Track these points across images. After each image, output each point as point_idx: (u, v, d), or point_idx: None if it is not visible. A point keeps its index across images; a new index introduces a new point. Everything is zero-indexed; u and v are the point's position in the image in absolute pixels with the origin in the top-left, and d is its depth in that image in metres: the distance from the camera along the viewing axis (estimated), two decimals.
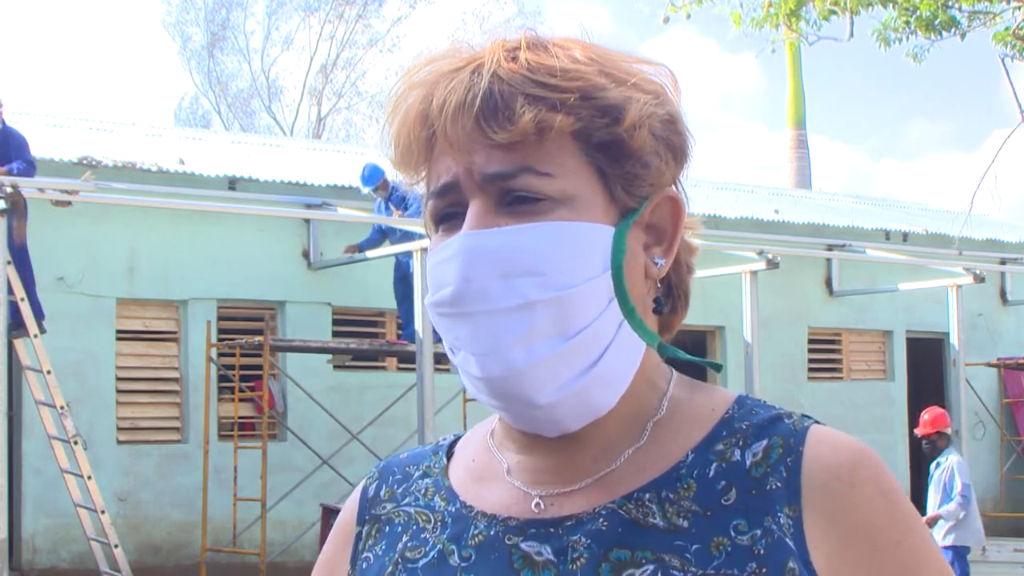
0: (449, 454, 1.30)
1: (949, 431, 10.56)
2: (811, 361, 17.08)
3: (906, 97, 64.12)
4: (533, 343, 1.12)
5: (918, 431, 10.62)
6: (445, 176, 1.15)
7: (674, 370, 1.25)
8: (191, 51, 36.13)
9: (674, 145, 1.19)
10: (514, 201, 1.13)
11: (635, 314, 1.17)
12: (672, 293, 1.25)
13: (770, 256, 13.24)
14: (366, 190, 12.78)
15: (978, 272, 14.88)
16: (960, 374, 15.14)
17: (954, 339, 15.11)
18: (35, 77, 52.23)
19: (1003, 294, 18.85)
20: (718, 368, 1.29)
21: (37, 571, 11.95)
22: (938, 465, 10.42)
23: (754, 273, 13.33)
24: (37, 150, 11.75)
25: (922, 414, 10.59)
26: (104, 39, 57.44)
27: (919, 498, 18.09)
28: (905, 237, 18.15)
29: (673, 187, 1.22)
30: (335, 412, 13.02)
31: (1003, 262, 17.97)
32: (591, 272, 1.13)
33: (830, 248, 16.75)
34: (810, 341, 17.07)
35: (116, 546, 10.39)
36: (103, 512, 10.37)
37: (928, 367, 18.64)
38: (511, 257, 1.12)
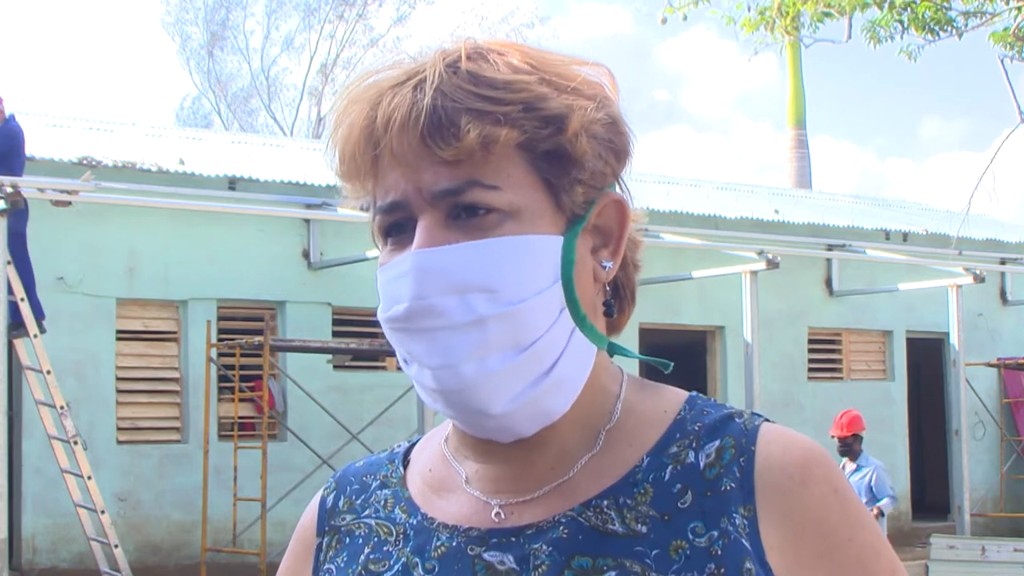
0: (405, 462, 1.30)
1: (863, 434, 10.76)
2: (811, 361, 17.07)
3: (916, 96, 64.21)
4: (487, 357, 1.13)
5: (834, 432, 10.81)
6: (393, 193, 1.16)
7: (623, 370, 1.26)
8: (190, 51, 36.17)
9: (616, 146, 1.20)
10: (463, 215, 1.14)
11: (586, 321, 1.18)
12: (620, 292, 1.26)
13: (770, 256, 13.24)
14: None
15: (978, 272, 14.88)
16: (960, 374, 15.13)
17: (954, 339, 15.11)
18: (35, 77, 52.26)
19: (1003, 294, 18.84)
20: (666, 367, 1.30)
21: (37, 571, 11.95)
22: (858, 469, 10.60)
23: (754, 273, 13.33)
24: (37, 150, 11.76)
25: (839, 416, 10.81)
26: (104, 39, 57.46)
27: (921, 497, 18.17)
28: (905, 237, 18.14)
29: (617, 186, 1.22)
30: (335, 412, 13.02)
31: (1003, 262, 17.96)
32: (542, 284, 1.14)
33: (830, 248, 16.74)
34: (810, 341, 17.06)
35: (116, 546, 10.39)
36: (103, 512, 10.37)
37: (928, 367, 18.64)
38: (462, 274, 1.12)
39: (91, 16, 56.02)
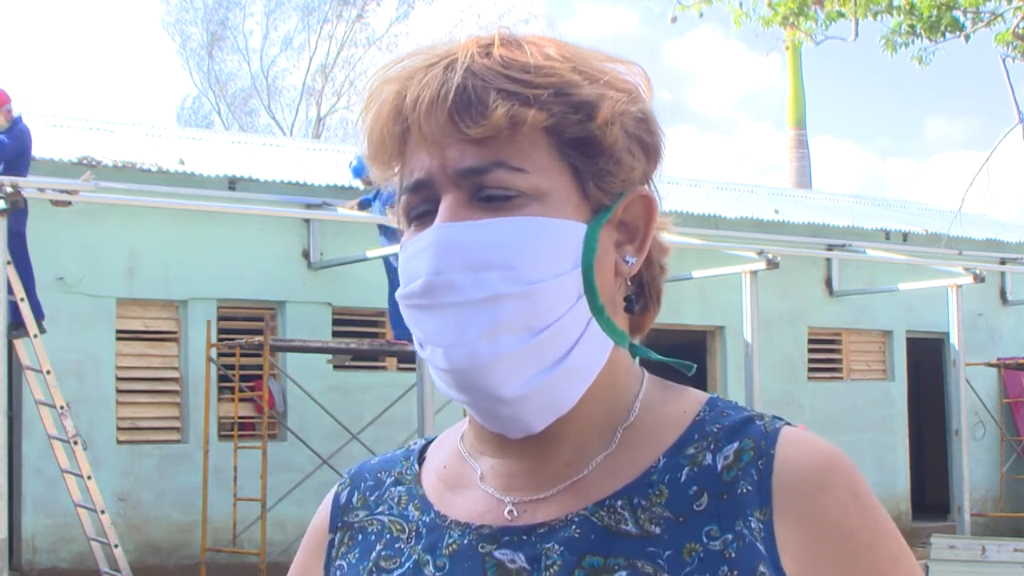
0: (420, 459, 1.29)
1: None
2: (811, 361, 17.08)
3: (919, 96, 64.22)
4: (500, 336, 1.11)
5: None
6: (418, 172, 1.16)
7: (645, 371, 1.25)
8: (190, 51, 36.18)
9: (647, 143, 1.19)
10: (487, 196, 1.13)
11: (603, 312, 1.16)
12: (643, 292, 1.25)
13: (770, 256, 13.23)
14: (355, 181, 13.06)
15: (978, 272, 14.87)
16: (960, 374, 15.13)
17: (954, 339, 15.10)
18: (35, 77, 52.26)
19: (1003, 294, 18.84)
20: (689, 369, 1.29)
21: (37, 571, 11.95)
22: None
23: (754, 273, 13.33)
24: (37, 150, 11.75)
25: None
26: (104, 39, 57.46)
27: (921, 498, 18.17)
28: (905, 237, 18.14)
29: (646, 185, 1.21)
30: (335, 412, 13.02)
31: (1003, 262, 17.96)
32: (560, 268, 1.13)
33: (830, 248, 16.74)
34: (810, 341, 17.06)
35: (116, 546, 10.39)
36: (103, 512, 10.37)
37: (928, 367, 18.64)
38: (482, 250, 1.12)
39: (91, 16, 56.06)
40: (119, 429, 12.62)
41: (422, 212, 1.17)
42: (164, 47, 58.79)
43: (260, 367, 12.56)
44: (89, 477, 10.32)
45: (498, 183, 1.13)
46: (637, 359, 1.25)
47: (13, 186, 9.92)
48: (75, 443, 10.31)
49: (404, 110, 1.15)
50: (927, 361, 18.50)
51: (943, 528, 15.57)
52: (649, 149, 1.20)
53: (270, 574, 12.01)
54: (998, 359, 17.94)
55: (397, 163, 1.19)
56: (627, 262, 1.19)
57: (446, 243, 1.12)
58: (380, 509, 1.26)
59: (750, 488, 1.12)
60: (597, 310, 1.16)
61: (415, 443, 1.33)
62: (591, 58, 1.18)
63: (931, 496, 18.81)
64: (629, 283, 1.22)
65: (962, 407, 15.28)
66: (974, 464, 16.55)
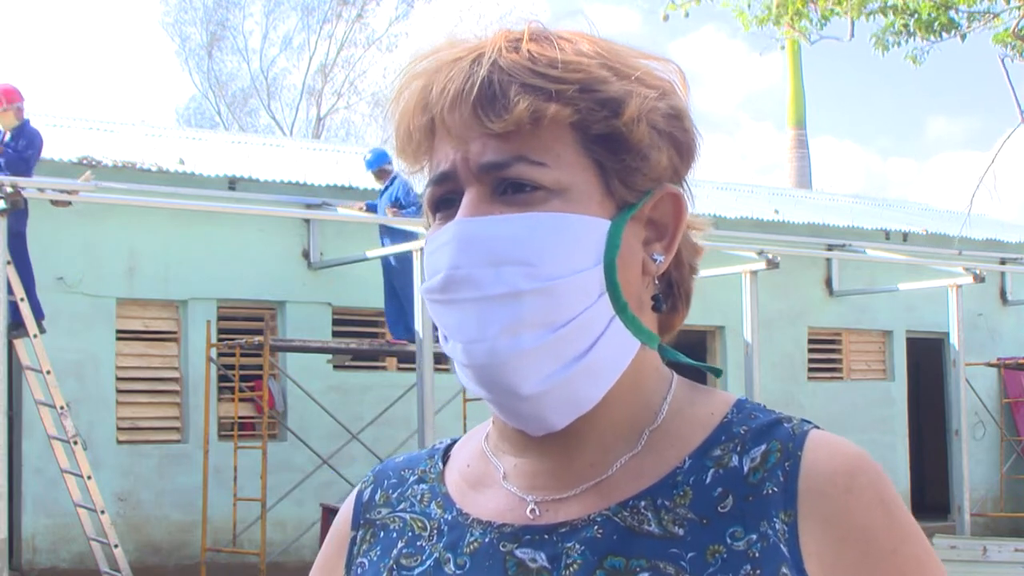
0: (445, 458, 1.29)
1: None
2: (811, 361, 17.08)
3: (920, 96, 64.16)
4: (519, 333, 1.11)
5: None
6: (443, 164, 1.16)
7: (675, 373, 1.24)
8: (190, 51, 36.17)
9: (679, 141, 1.19)
10: (509, 190, 1.13)
11: (627, 310, 1.16)
12: (673, 292, 1.24)
13: (770, 256, 13.23)
14: (367, 174, 13.15)
15: (978, 272, 14.87)
16: (960, 374, 15.13)
17: (954, 339, 15.10)
18: (35, 77, 52.26)
19: (1003, 294, 18.84)
20: (718, 373, 1.29)
21: (37, 571, 11.95)
22: None
23: (754, 273, 13.33)
24: None
25: None
26: (104, 39, 57.47)
27: (921, 498, 18.17)
28: (905, 237, 18.14)
29: (679, 185, 1.21)
30: (335, 412, 13.02)
31: (1003, 262, 17.96)
32: (582, 264, 1.13)
33: (830, 248, 16.74)
34: (810, 341, 17.07)
35: (116, 546, 10.39)
36: (103, 512, 10.37)
37: (928, 367, 18.64)
38: (502, 245, 1.11)
39: (91, 16, 56.06)
40: (119, 429, 12.62)
41: (447, 203, 1.17)
42: (164, 47, 58.85)
43: (260, 367, 12.56)
44: (89, 477, 10.32)
45: (519, 177, 1.13)
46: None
47: (13, 186, 9.92)
48: (75, 443, 10.31)
49: (430, 103, 1.15)
50: (927, 361, 18.50)
51: (943, 528, 15.57)
52: (682, 146, 1.19)
53: (270, 574, 12.01)
54: (998, 359, 17.94)
55: (425, 156, 1.19)
56: (655, 260, 1.19)
57: (466, 238, 1.12)
58: (402, 507, 1.26)
59: (776, 489, 1.11)
60: (620, 307, 1.15)
61: (440, 442, 1.32)
62: (625, 54, 1.17)
63: (931, 496, 18.81)
64: (657, 282, 1.21)
65: (962, 407, 15.28)
66: (974, 464, 16.55)
